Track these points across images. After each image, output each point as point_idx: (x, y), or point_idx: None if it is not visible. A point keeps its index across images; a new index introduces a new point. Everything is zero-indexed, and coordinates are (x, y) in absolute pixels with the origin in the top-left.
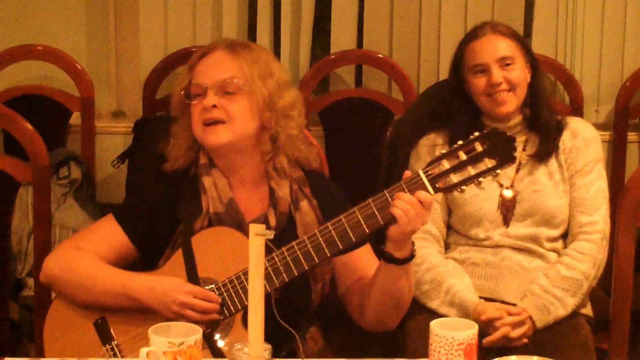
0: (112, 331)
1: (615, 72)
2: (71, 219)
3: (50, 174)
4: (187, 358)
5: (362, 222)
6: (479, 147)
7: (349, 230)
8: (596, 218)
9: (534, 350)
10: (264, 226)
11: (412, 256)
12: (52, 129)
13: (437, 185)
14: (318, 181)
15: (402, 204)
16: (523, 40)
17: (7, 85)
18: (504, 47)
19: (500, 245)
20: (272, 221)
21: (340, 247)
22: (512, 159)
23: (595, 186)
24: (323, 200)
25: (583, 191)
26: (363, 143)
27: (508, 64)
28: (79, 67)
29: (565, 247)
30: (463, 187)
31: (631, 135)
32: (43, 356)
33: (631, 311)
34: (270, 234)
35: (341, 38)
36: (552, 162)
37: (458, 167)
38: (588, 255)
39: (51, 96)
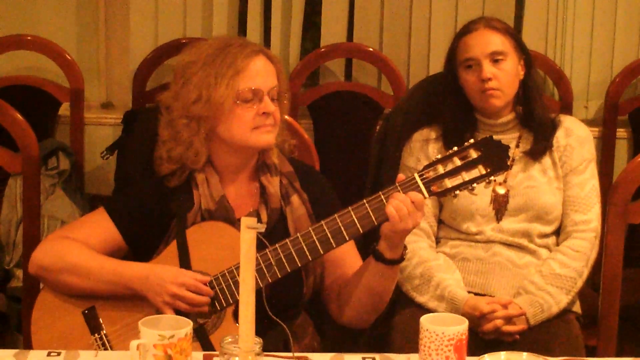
0: (101, 321)
1: (605, 68)
2: (59, 210)
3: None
4: (178, 351)
5: (357, 222)
6: (473, 154)
7: (343, 230)
8: (590, 217)
9: (523, 347)
10: (255, 219)
11: (401, 259)
12: (41, 119)
13: (431, 189)
14: (308, 175)
15: (395, 202)
16: (517, 37)
17: None
18: (496, 42)
19: (491, 240)
20: (264, 217)
21: (334, 245)
22: (506, 167)
23: (589, 185)
24: (313, 194)
25: (577, 190)
26: (352, 136)
27: (499, 59)
28: (69, 57)
29: (557, 243)
30: (457, 192)
31: (620, 132)
32: (31, 347)
33: (619, 307)
34: (262, 227)
35: (331, 31)
36: (546, 159)
37: (452, 173)
38: (582, 254)
39: (40, 87)
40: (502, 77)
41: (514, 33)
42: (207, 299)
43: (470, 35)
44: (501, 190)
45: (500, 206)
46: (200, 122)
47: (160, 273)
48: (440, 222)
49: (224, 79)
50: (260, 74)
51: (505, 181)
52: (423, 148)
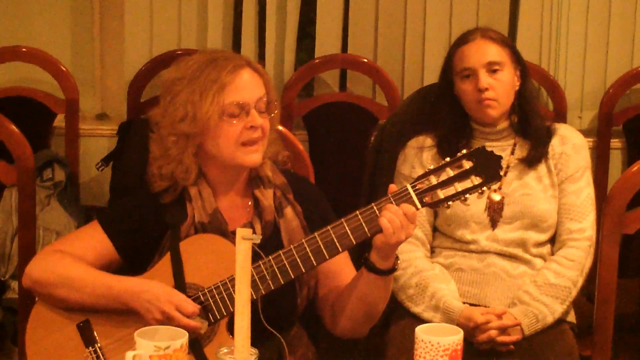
0: (95, 334)
1: (599, 78)
2: (55, 221)
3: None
4: None
5: (349, 234)
6: (465, 165)
7: (335, 241)
8: (585, 225)
9: (518, 357)
10: (250, 230)
11: (394, 269)
12: (36, 131)
13: (424, 200)
14: (301, 186)
15: (388, 214)
16: (513, 47)
17: None
18: (492, 52)
19: (486, 250)
20: (258, 230)
21: (327, 257)
22: (498, 178)
23: (585, 193)
24: (307, 205)
25: (573, 197)
26: (347, 147)
27: (496, 70)
28: (64, 69)
29: (552, 252)
30: (449, 203)
31: (614, 142)
32: (25, 359)
33: (614, 317)
34: (258, 239)
35: (326, 42)
36: (541, 166)
37: (445, 183)
38: (577, 263)
39: (35, 98)
40: (499, 88)
41: (510, 43)
42: (197, 324)
43: (467, 46)
44: (496, 197)
45: (494, 213)
46: (188, 139)
47: (153, 290)
48: (434, 229)
49: (208, 94)
50: (246, 87)
51: (500, 188)
52: (418, 155)
